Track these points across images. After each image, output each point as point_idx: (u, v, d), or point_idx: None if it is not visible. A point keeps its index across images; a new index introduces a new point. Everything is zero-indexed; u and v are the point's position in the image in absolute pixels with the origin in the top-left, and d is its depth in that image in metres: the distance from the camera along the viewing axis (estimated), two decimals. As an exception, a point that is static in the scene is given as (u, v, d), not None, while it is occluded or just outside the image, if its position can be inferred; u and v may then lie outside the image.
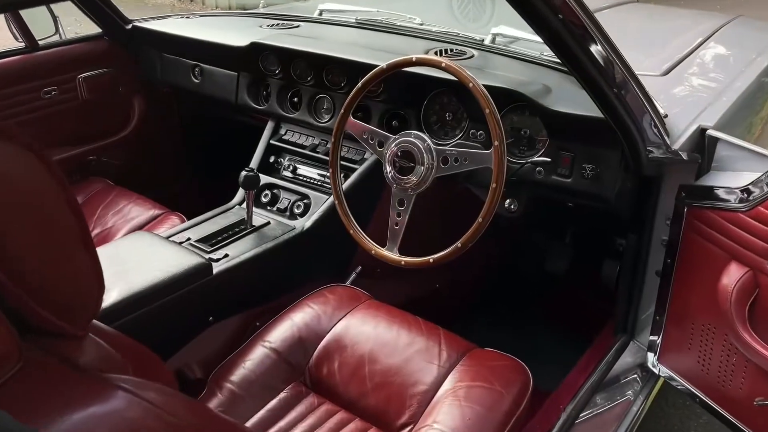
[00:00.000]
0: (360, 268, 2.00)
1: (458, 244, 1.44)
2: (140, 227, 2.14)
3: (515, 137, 1.70)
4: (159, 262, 1.57)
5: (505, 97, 1.65)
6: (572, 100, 1.61)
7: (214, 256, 1.67)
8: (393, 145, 1.54)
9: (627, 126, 1.36)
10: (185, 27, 2.39)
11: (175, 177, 2.70)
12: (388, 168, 1.55)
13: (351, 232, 1.62)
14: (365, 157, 1.94)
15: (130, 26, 2.46)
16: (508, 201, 1.72)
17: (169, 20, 2.49)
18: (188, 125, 2.72)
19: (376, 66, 1.55)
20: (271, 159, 2.11)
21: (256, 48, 2.10)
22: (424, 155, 1.49)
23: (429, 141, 1.51)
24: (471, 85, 1.41)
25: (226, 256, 1.69)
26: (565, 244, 2.27)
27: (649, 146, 1.46)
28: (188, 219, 1.88)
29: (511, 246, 2.45)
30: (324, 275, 1.88)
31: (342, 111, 1.62)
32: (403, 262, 1.53)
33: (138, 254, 1.61)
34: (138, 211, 2.21)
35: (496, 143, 1.38)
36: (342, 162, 1.87)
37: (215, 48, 2.23)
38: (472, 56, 1.91)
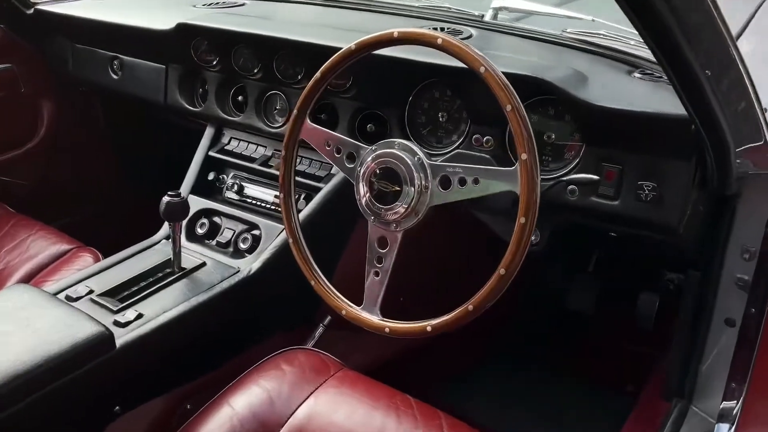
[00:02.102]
0: (328, 319, 1.53)
1: (469, 307, 0.97)
2: (41, 269, 1.66)
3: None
4: (37, 333, 1.09)
5: (521, 89, 1.19)
6: (618, 90, 1.16)
7: (122, 317, 1.20)
8: (369, 159, 1.07)
9: (719, 125, 0.91)
10: (99, 9, 1.89)
11: (93, 200, 2.20)
12: (363, 192, 1.07)
13: (312, 283, 1.15)
14: (332, 172, 1.46)
15: (32, 10, 1.95)
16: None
17: (79, 1, 1.98)
18: (112, 134, 2.21)
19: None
20: (210, 176, 1.63)
21: (184, 31, 1.61)
22: (414, 174, 1.03)
23: (420, 153, 1.04)
24: (483, 70, 0.95)
25: (140, 316, 1.21)
26: (589, 274, 1.81)
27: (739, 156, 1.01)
28: (105, 256, 1.50)
29: (522, 281, 1.97)
30: (279, 334, 1.41)
31: (295, 112, 1.15)
32: (387, 329, 1.06)
33: (10, 321, 1.12)
34: (41, 246, 1.72)
35: (524, 156, 0.92)
36: (300, 179, 1.39)
37: (135, 34, 1.73)
38: (470, 36, 1.45)
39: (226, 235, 1.50)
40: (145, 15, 1.78)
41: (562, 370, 1.88)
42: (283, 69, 1.52)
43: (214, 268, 1.39)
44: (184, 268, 1.37)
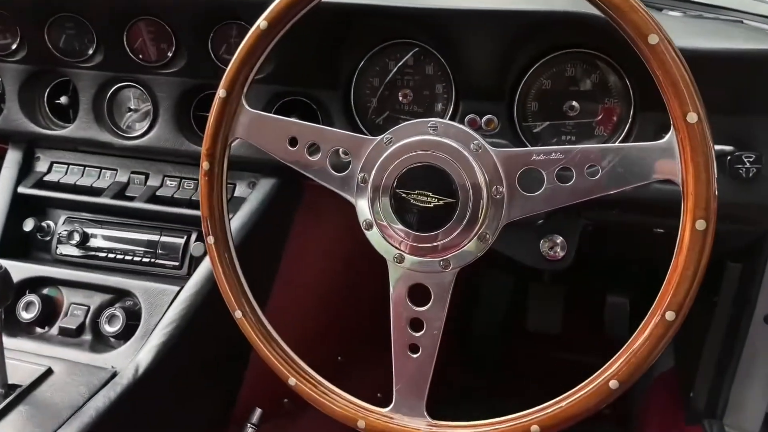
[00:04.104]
0: (258, 413, 1.03)
1: (611, 382, 0.57)
2: None
3: (551, 112, 0.88)
4: None
5: (541, 35, 0.84)
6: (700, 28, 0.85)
7: None
8: (387, 157, 0.63)
9: None
10: None
11: None
12: (379, 215, 0.62)
13: (292, 384, 0.67)
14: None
15: None
16: (545, 242, 0.87)
17: None
18: None
19: None
20: (28, 225, 1.04)
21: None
22: (478, 173, 0.60)
23: (478, 136, 0.61)
24: None
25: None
26: (545, 284, 1.49)
27: None
28: None
29: (465, 301, 1.59)
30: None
31: (222, 93, 0.66)
32: None
33: None
34: None
35: (692, 117, 0.54)
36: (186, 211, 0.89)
37: None
38: None
39: (74, 317, 0.93)
40: None
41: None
42: (142, 43, 0.98)
43: (69, 376, 0.83)
44: (15, 386, 0.79)
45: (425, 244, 0.61)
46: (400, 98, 0.94)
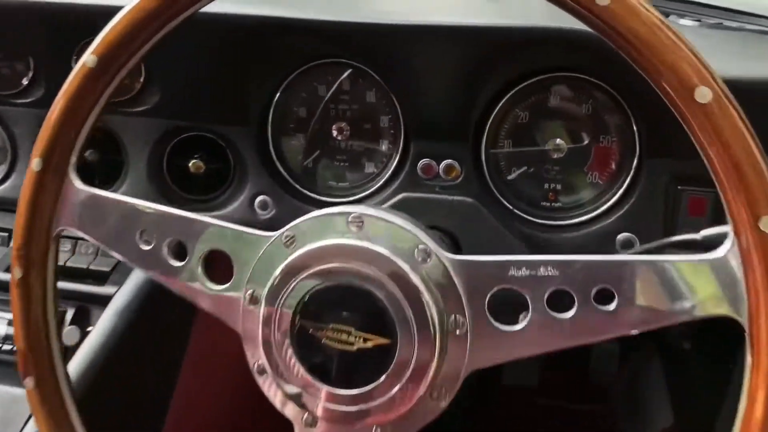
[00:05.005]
0: None
1: None
2: None
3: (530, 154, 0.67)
4: None
5: (525, 56, 0.62)
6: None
7: None
8: (283, 272, 0.40)
9: None
10: None
11: None
12: (276, 359, 0.40)
13: None
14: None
15: None
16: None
17: None
18: None
19: None
20: None
21: None
22: (426, 297, 0.39)
23: (426, 239, 0.39)
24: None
25: None
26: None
27: None
28: None
29: None
30: None
31: (37, 162, 0.43)
32: None
33: None
34: None
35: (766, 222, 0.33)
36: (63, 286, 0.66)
37: None
38: None
39: None
40: None
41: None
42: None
43: None
44: None
45: (348, 407, 0.39)
46: (335, 133, 0.71)
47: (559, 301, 0.38)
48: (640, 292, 0.36)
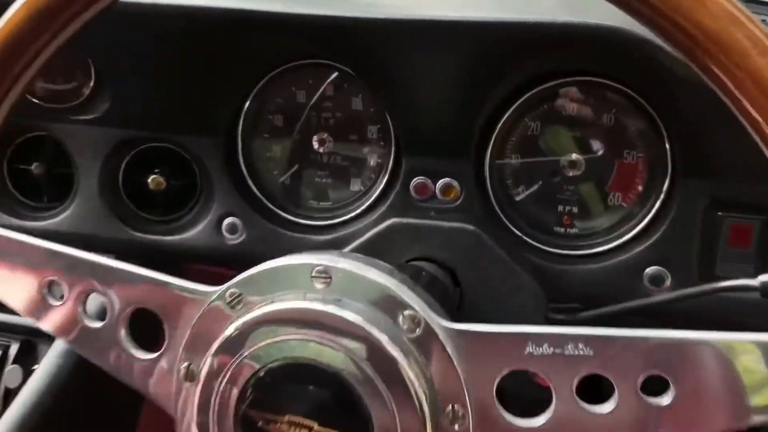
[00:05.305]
0: None
1: None
2: None
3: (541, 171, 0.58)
4: None
5: (528, 50, 0.52)
6: None
7: None
8: (235, 330, 0.30)
9: None
10: None
11: None
12: None
13: None
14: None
15: None
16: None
17: None
18: None
19: None
20: None
21: None
22: (412, 381, 0.28)
23: (414, 305, 0.29)
24: None
25: None
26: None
27: None
28: None
29: None
30: None
31: None
32: None
33: None
34: None
35: None
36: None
37: None
38: None
39: None
40: None
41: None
42: None
43: None
44: None
45: None
46: (315, 145, 0.62)
47: (591, 385, 0.29)
48: (700, 380, 0.27)
